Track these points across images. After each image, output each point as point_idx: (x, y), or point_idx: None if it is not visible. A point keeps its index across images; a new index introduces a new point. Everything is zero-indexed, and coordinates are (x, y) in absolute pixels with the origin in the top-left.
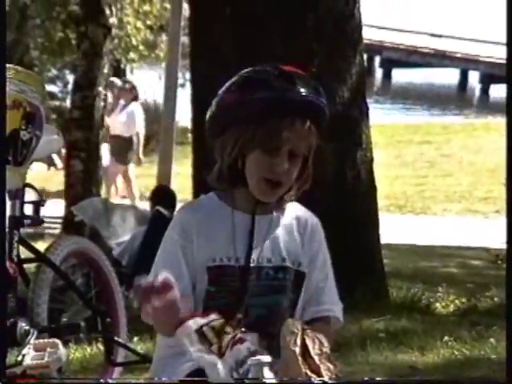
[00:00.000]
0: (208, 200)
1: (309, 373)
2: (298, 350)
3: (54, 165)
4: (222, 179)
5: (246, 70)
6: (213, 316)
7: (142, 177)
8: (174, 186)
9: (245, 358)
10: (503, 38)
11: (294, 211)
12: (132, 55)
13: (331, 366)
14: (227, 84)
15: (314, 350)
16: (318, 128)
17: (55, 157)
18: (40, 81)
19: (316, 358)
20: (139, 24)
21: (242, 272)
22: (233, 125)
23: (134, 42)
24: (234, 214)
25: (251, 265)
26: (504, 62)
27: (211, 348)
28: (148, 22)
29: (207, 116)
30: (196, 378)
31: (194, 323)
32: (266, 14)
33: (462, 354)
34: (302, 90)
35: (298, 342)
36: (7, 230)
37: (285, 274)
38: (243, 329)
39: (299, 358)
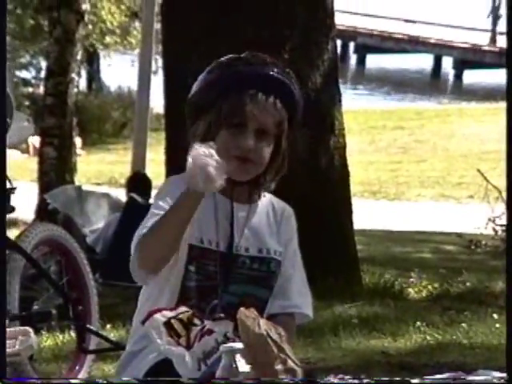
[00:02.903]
0: None
1: (281, 355)
2: (264, 333)
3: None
4: None
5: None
6: (181, 309)
7: (117, 163)
8: (148, 172)
9: (213, 349)
10: (477, 24)
11: (269, 201)
12: (108, 39)
13: (291, 349)
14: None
15: (274, 334)
16: (286, 106)
17: (36, 142)
18: (8, 67)
19: (278, 341)
20: (114, 8)
21: (221, 258)
22: (204, 109)
23: (110, 26)
24: (215, 195)
25: (230, 252)
26: (477, 47)
27: (179, 340)
28: (122, 7)
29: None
30: (155, 379)
31: (162, 316)
32: None
33: (433, 338)
34: (263, 66)
35: (262, 326)
36: None
37: (260, 265)
38: (222, 314)
39: (269, 340)
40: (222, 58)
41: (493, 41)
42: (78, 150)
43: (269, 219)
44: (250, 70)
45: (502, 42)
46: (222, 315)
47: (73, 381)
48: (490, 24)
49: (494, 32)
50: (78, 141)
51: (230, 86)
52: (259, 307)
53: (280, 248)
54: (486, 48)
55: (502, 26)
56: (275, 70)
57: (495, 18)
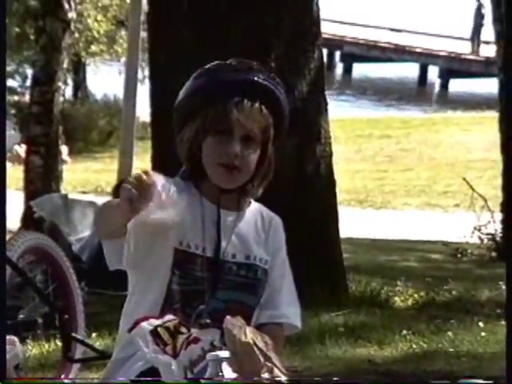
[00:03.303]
0: (179, 181)
1: (268, 363)
2: (251, 341)
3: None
4: (185, 176)
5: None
6: (167, 317)
7: (103, 172)
8: None
9: (199, 357)
10: (463, 33)
11: (257, 210)
12: (94, 48)
13: (278, 357)
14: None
15: (260, 343)
16: (271, 112)
17: (20, 150)
18: None
19: (264, 349)
20: (100, 17)
21: (207, 263)
22: (190, 116)
23: (96, 35)
24: (202, 200)
25: (217, 257)
26: (463, 56)
27: (166, 348)
28: (108, 15)
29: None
30: (148, 378)
31: (148, 324)
32: (224, 7)
33: (419, 347)
34: (248, 72)
35: (248, 334)
36: None
37: (248, 272)
38: (207, 320)
39: (255, 349)
40: (209, 65)
41: (475, 51)
42: (65, 157)
43: (257, 228)
44: (235, 76)
45: (486, 51)
46: (208, 321)
47: (66, 381)
48: (471, 33)
49: (473, 41)
50: (64, 148)
51: (215, 93)
52: (246, 313)
53: (267, 257)
54: (472, 57)
55: (485, 35)
56: (261, 75)
57: (478, 27)
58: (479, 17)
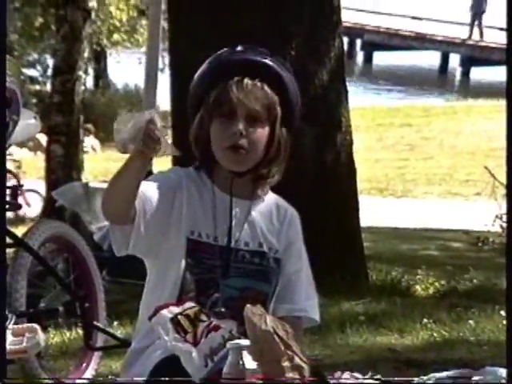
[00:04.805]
0: (191, 171)
1: (288, 352)
2: (271, 330)
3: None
4: (198, 163)
5: None
6: (187, 304)
7: (124, 161)
8: (155, 170)
9: (219, 345)
10: (485, 21)
11: (273, 200)
12: (115, 37)
13: (298, 346)
14: None
15: (280, 331)
16: (275, 90)
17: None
18: (17, 65)
19: (285, 337)
20: (122, 5)
21: (220, 252)
22: (198, 101)
23: (118, 24)
24: (214, 190)
25: (228, 246)
26: (485, 44)
27: (186, 336)
28: (131, 1)
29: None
30: (158, 378)
31: (168, 312)
32: None
33: (440, 335)
34: (248, 53)
35: (269, 323)
36: None
37: (261, 260)
38: (222, 309)
39: (276, 337)
40: (220, 51)
41: (469, 36)
42: (88, 148)
43: (271, 217)
44: (235, 57)
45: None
46: (222, 309)
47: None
48: (470, 19)
49: (472, 26)
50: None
51: (217, 75)
52: (261, 301)
53: (279, 246)
54: (494, 45)
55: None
56: (260, 55)
57: (475, 13)
58: (477, 2)
